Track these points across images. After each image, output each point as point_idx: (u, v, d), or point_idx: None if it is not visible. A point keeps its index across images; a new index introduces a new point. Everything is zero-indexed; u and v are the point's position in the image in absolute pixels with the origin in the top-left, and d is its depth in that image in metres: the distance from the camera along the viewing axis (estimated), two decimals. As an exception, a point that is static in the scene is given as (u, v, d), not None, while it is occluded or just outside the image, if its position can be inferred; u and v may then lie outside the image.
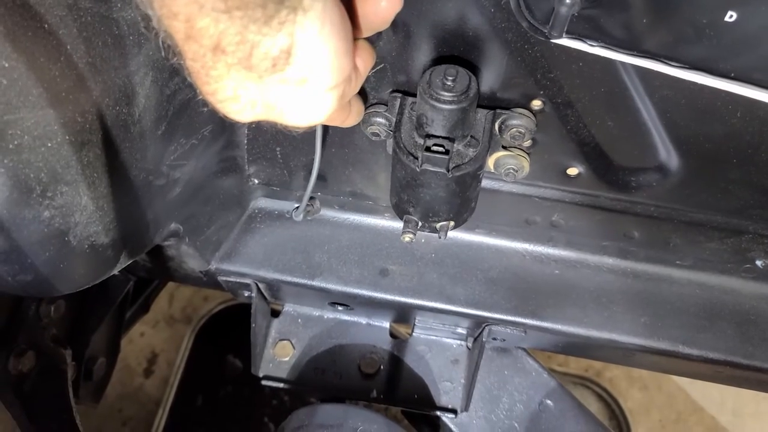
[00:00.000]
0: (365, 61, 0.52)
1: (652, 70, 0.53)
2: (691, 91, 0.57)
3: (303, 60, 0.42)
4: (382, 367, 0.92)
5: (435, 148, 0.59)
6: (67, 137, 0.50)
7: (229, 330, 1.68)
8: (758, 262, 0.77)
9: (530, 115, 0.64)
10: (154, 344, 1.69)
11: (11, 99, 0.45)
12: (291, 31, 0.40)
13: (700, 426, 1.69)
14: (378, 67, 0.63)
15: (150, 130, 0.58)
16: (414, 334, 0.92)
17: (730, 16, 0.47)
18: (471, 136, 0.62)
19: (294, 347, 0.92)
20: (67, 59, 0.48)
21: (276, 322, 0.94)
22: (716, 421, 1.69)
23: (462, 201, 0.65)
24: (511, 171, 0.67)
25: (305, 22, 0.40)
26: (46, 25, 0.47)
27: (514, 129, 0.64)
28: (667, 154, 0.65)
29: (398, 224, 0.69)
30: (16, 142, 0.47)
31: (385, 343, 0.93)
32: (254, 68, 0.41)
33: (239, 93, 0.43)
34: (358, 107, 0.61)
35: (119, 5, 0.51)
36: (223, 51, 0.39)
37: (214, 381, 1.61)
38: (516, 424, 0.87)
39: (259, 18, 0.38)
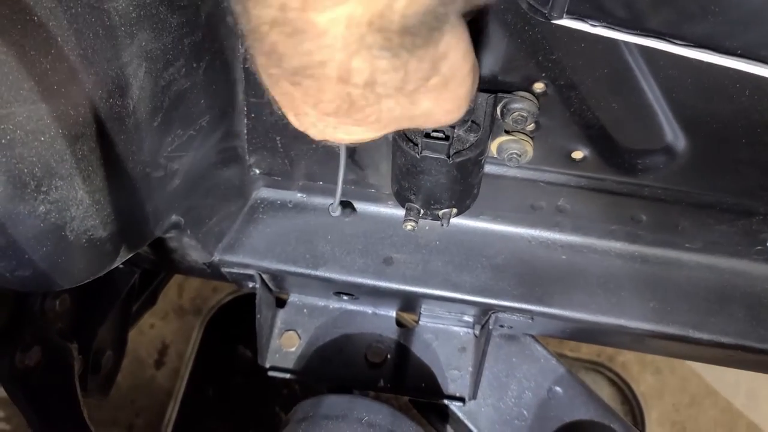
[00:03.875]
0: None
1: (657, 49, 0.52)
2: (697, 69, 0.55)
3: (447, 65, 0.41)
4: (388, 356, 0.91)
5: (435, 134, 0.58)
6: (61, 131, 0.49)
7: (239, 320, 1.68)
8: (770, 244, 0.76)
9: (532, 98, 0.62)
10: (165, 336, 1.70)
11: (2, 93, 0.45)
12: (437, 44, 0.39)
13: (714, 409, 1.68)
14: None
15: (145, 122, 0.57)
16: (420, 322, 0.92)
17: (736, -9, 0.45)
18: (472, 121, 0.61)
19: (300, 337, 0.92)
20: (57, 52, 0.48)
21: (281, 313, 0.93)
22: (730, 404, 1.68)
23: (464, 187, 0.64)
24: (515, 156, 0.66)
25: (449, 33, 0.39)
26: (35, 18, 0.46)
27: (516, 113, 0.62)
28: (674, 136, 0.64)
29: (401, 212, 0.68)
30: (8, 137, 0.46)
31: (392, 332, 0.93)
32: (404, 90, 0.40)
33: (383, 116, 0.42)
34: None
35: (109, -5, 0.50)
36: (374, 83, 0.38)
37: (224, 371, 1.62)
38: (525, 412, 0.87)
39: (410, 45, 0.37)
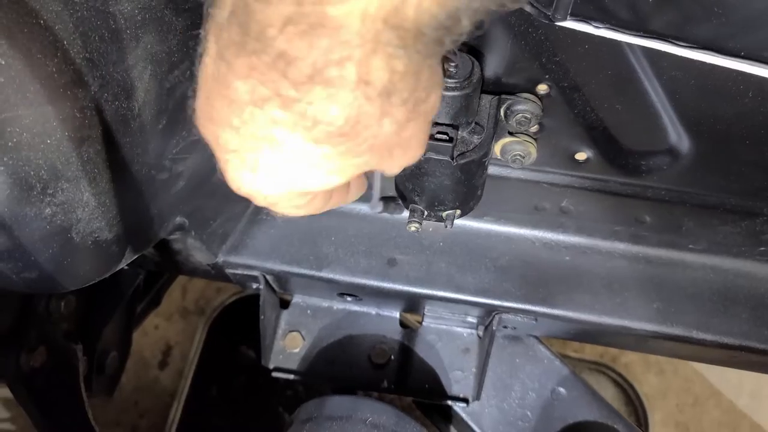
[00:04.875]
0: None
1: (660, 51, 0.52)
2: (701, 71, 0.55)
3: (435, 96, 0.39)
4: (392, 357, 0.91)
5: (439, 135, 0.58)
6: (67, 134, 0.49)
7: (243, 321, 1.68)
8: (773, 245, 0.76)
9: (536, 99, 0.63)
10: (169, 336, 1.70)
11: (9, 96, 0.45)
12: (438, 61, 0.38)
13: (718, 409, 1.68)
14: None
15: (150, 124, 0.58)
16: (424, 323, 0.92)
17: (739, -7, 0.46)
18: (476, 123, 0.61)
19: (304, 338, 0.92)
20: (64, 55, 0.48)
21: (285, 314, 0.94)
22: (734, 405, 1.68)
23: (468, 189, 0.64)
24: (518, 157, 0.66)
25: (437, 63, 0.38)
26: (42, 21, 0.47)
27: (520, 114, 0.62)
28: (678, 137, 0.64)
29: (405, 213, 0.68)
30: (15, 140, 0.47)
31: (395, 333, 0.93)
32: (408, 103, 0.37)
33: (374, 143, 0.38)
34: None
35: (115, -1, 0.50)
36: (390, 92, 0.36)
37: (228, 372, 1.62)
38: (528, 413, 0.87)
39: (423, 49, 0.35)
